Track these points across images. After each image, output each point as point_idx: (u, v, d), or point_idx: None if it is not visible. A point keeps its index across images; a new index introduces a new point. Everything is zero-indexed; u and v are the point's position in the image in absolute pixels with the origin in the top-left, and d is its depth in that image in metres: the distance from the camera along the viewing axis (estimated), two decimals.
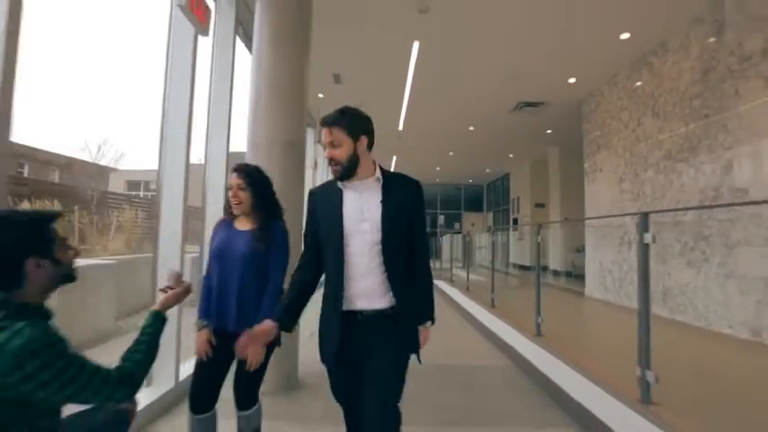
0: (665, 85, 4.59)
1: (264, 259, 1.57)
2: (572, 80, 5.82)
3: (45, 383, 0.76)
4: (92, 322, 3.66)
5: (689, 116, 4.25)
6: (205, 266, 1.69)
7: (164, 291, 1.20)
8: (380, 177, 1.30)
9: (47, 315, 0.89)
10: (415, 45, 4.71)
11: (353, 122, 1.25)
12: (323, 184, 1.41)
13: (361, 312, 1.26)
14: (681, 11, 4.03)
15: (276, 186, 1.73)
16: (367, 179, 1.29)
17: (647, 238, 2.16)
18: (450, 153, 11.03)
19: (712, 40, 3.92)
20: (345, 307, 1.25)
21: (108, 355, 1.40)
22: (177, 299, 1.21)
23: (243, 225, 1.63)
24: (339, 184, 1.29)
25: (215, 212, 2.82)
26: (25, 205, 4.49)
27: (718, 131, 3.87)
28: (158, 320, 1.09)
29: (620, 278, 5.38)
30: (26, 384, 0.75)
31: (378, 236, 1.25)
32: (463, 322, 4.85)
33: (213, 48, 3.21)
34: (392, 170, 1.43)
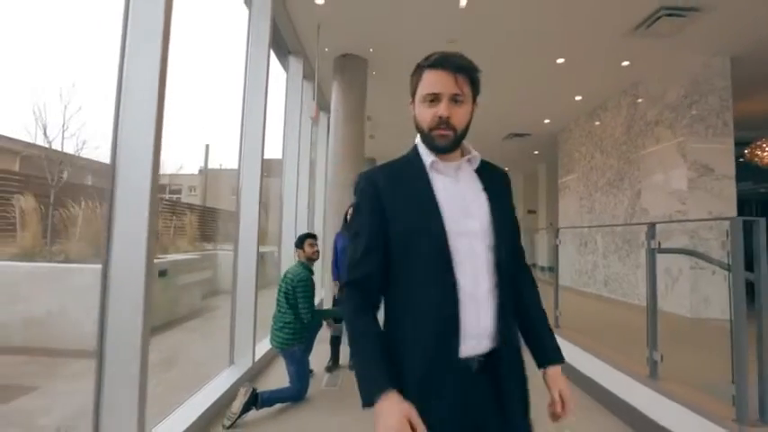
0: (607, 131, 6.42)
1: None
2: (547, 121, 7.66)
3: None
4: (188, 302, 5.38)
5: (620, 156, 6.08)
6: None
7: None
8: (476, 157, 0.91)
9: None
10: None
11: (478, 77, 0.88)
12: (385, 165, 0.93)
13: (479, 359, 0.82)
14: (614, 84, 5.85)
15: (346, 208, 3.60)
16: (456, 161, 0.89)
17: (654, 243, 2.48)
18: None
19: (633, 106, 5.76)
20: (461, 353, 0.80)
21: (200, 327, 2.21)
22: None
23: None
24: (426, 161, 0.87)
25: (250, 218, 3.23)
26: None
27: (634, 168, 5.70)
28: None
29: (579, 270, 7.22)
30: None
31: (489, 240, 0.85)
32: None
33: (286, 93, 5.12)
34: None
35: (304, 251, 2.92)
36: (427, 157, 0.89)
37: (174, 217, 8.79)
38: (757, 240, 1.83)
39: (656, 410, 2.18)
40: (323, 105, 5.28)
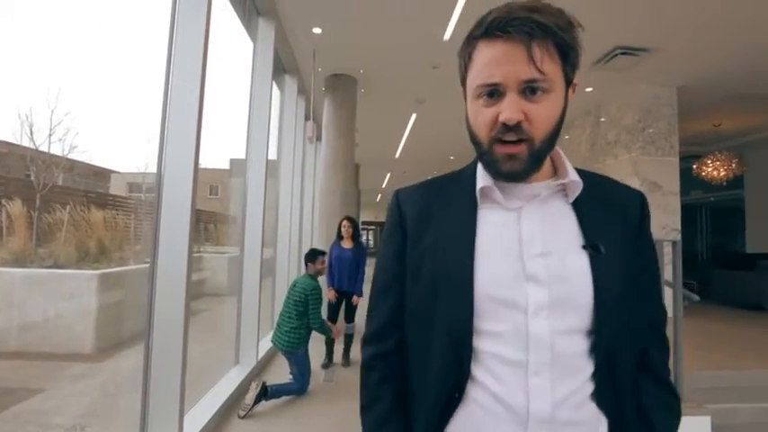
0: (573, 147, 7.04)
1: (357, 260, 3.83)
2: None
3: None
4: None
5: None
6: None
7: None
8: (575, 181, 0.57)
9: None
10: (413, 116, 7.04)
11: (574, 39, 0.54)
12: (428, 182, 0.68)
13: None
14: (580, 105, 6.45)
15: (336, 217, 3.97)
16: (537, 183, 0.58)
17: None
18: (435, 172, 13.45)
19: (596, 126, 6.38)
20: None
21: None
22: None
23: (347, 245, 3.90)
24: (477, 188, 0.58)
25: (255, 219, 3.44)
26: None
27: None
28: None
29: None
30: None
31: (579, 319, 0.54)
32: None
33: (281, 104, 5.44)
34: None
35: (315, 266, 3.28)
36: (482, 179, 0.59)
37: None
38: (677, 256, 2.34)
39: None
40: (314, 117, 5.61)
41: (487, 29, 0.53)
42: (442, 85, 5.09)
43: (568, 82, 0.56)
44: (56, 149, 2.98)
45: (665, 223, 5.23)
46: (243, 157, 3.55)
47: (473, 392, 0.55)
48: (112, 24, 2.61)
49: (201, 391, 2.85)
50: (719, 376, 2.86)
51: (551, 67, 0.52)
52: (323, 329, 3.20)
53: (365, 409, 0.64)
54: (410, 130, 7.95)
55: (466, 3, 3.53)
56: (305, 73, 5.04)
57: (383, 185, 15.93)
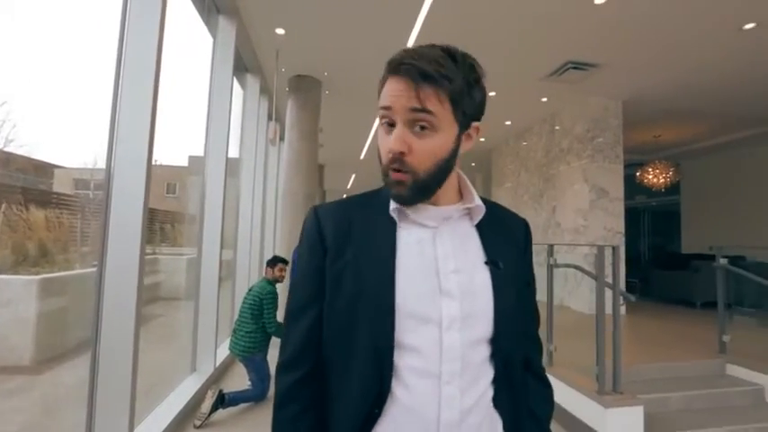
0: (531, 154, 7.39)
1: None
2: (483, 139, 8.52)
3: None
4: None
5: (541, 175, 7.05)
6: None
7: None
8: (479, 206, 0.63)
9: None
10: (378, 118, 7.09)
11: (470, 86, 0.58)
12: (346, 201, 0.68)
13: None
14: (536, 114, 6.77)
15: (299, 220, 3.97)
16: (447, 207, 0.63)
17: (551, 260, 4.28)
18: None
19: (551, 134, 6.73)
20: None
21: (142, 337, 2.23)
22: None
23: None
24: (391, 208, 0.61)
25: (213, 220, 3.35)
26: None
27: (550, 187, 6.68)
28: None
29: None
30: None
31: (483, 329, 0.59)
32: None
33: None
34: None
35: (274, 272, 3.24)
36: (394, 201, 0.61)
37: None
38: (617, 259, 2.54)
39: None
40: (277, 117, 5.52)
41: (390, 65, 0.59)
42: None
43: (464, 126, 0.60)
44: None
45: (611, 226, 5.62)
46: (202, 154, 3.44)
47: (388, 407, 0.56)
48: (58, 8, 2.44)
49: (154, 401, 2.73)
50: (654, 368, 3.12)
51: (437, 108, 0.56)
52: (279, 332, 3.17)
53: (274, 416, 0.63)
54: (375, 133, 8.03)
55: (429, 11, 3.63)
56: (268, 73, 4.96)
57: (348, 186, 15.90)
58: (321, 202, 0.74)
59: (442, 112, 0.56)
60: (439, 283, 0.58)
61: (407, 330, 0.57)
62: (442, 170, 0.59)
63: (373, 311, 0.57)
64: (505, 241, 0.67)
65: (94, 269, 2.02)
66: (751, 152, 7.72)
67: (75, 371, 2.64)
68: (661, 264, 7.65)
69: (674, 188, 8.09)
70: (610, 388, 2.41)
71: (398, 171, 0.57)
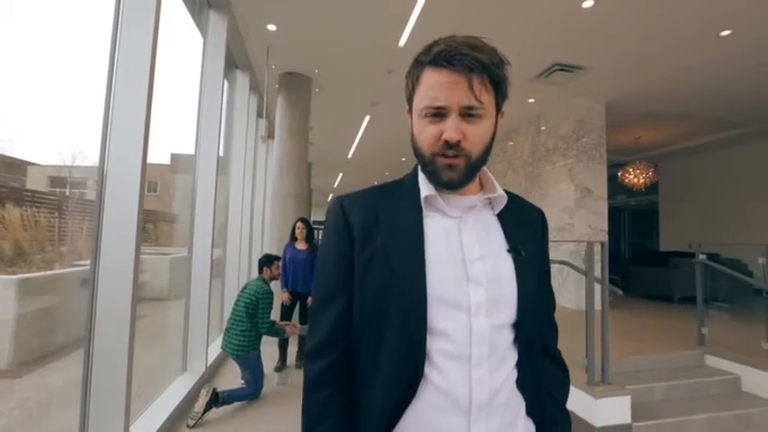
0: (518, 154, 7.53)
1: (311, 262, 3.82)
2: None
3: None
4: None
5: (527, 174, 7.19)
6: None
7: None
8: (502, 195, 0.66)
9: None
10: (367, 117, 7.10)
11: (504, 74, 0.63)
12: (369, 190, 0.69)
13: None
14: (523, 114, 6.90)
15: (288, 218, 3.96)
16: (471, 196, 0.66)
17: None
18: (387, 173, 13.61)
19: (537, 134, 6.87)
20: None
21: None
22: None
23: (301, 246, 3.87)
24: (422, 197, 0.64)
25: (204, 218, 3.29)
26: None
27: (536, 186, 6.82)
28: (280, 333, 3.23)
29: None
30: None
31: (508, 315, 0.62)
32: None
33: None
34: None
35: (271, 270, 3.22)
36: (425, 188, 0.64)
37: (87, 217, 8.07)
38: (605, 255, 2.62)
39: None
40: (267, 114, 5.47)
41: (435, 57, 0.60)
42: (396, 90, 5.16)
43: (498, 109, 0.65)
44: None
45: (596, 224, 5.78)
46: (185, 152, 3.38)
47: (422, 388, 0.59)
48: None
49: (143, 404, 2.68)
50: (638, 360, 3.24)
51: (486, 98, 0.61)
52: (272, 332, 3.16)
53: (311, 428, 0.62)
54: (363, 132, 8.01)
55: (421, 12, 3.66)
56: (258, 69, 4.91)
57: (335, 185, 15.83)
58: (342, 195, 0.69)
59: (489, 99, 0.61)
60: (465, 270, 0.61)
61: (438, 316, 0.59)
62: (488, 152, 0.64)
63: (405, 298, 0.59)
64: (525, 230, 0.69)
65: (74, 269, 1.97)
66: (724, 154, 8.07)
67: (59, 373, 2.54)
68: (640, 261, 7.91)
69: (652, 188, 8.38)
70: (599, 379, 2.50)
71: (453, 157, 0.60)
